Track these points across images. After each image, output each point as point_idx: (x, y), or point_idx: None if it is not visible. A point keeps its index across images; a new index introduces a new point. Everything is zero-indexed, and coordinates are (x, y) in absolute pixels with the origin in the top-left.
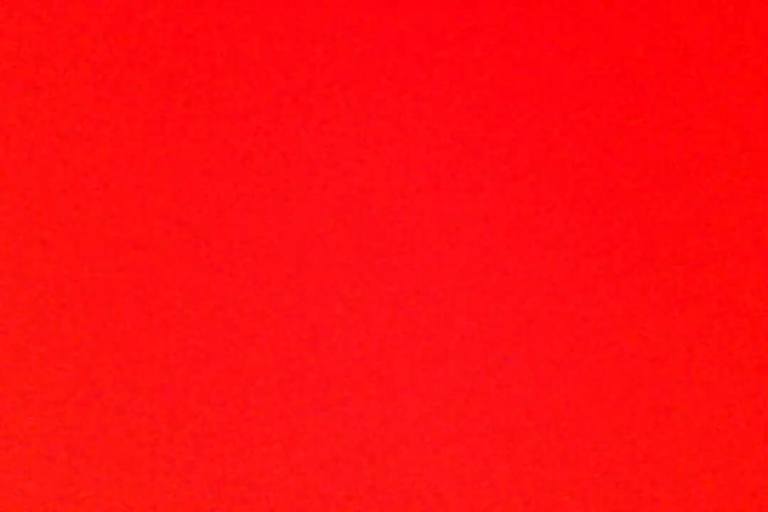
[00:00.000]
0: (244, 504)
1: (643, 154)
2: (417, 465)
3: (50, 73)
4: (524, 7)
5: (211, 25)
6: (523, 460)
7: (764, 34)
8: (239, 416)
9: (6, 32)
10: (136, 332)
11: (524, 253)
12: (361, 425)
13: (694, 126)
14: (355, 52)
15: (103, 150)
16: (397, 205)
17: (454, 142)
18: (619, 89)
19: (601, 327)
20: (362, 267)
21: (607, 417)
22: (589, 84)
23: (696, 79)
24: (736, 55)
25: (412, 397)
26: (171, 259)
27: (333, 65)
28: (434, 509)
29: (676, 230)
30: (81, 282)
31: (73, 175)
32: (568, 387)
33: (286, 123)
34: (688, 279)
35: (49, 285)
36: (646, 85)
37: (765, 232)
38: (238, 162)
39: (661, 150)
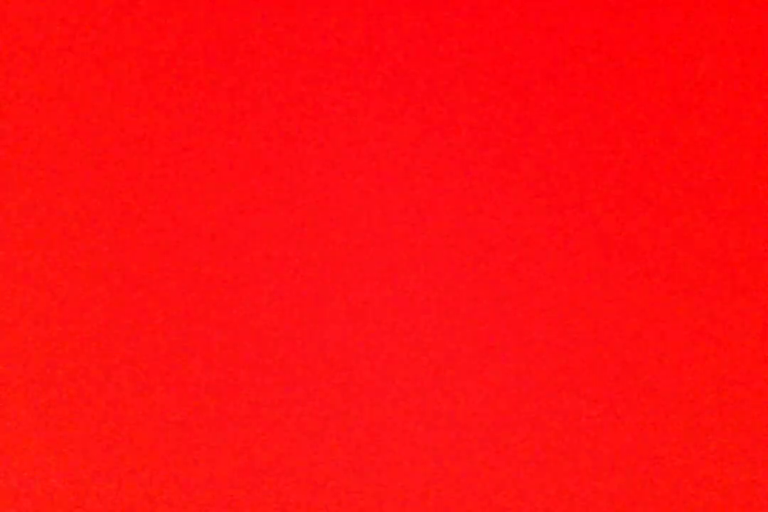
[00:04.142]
0: (243, 504)
1: (642, 154)
2: (416, 464)
3: (50, 74)
4: (524, 7)
5: (211, 26)
6: (521, 460)
7: (764, 34)
8: (239, 416)
9: (6, 32)
10: (135, 332)
11: (524, 252)
12: (360, 424)
13: (693, 126)
14: (356, 52)
15: (106, 147)
16: (398, 206)
17: (454, 142)
18: (619, 88)
19: (601, 326)
20: (362, 267)
21: (606, 417)
22: (589, 83)
23: (696, 79)
24: (736, 55)
25: (411, 397)
26: (171, 259)
27: (333, 65)
28: (433, 509)
29: (675, 230)
30: (82, 281)
31: (74, 175)
32: (568, 386)
33: (286, 123)
34: (687, 278)
35: (49, 284)
36: (645, 85)
37: (765, 232)
38: (237, 162)
39: (660, 148)
